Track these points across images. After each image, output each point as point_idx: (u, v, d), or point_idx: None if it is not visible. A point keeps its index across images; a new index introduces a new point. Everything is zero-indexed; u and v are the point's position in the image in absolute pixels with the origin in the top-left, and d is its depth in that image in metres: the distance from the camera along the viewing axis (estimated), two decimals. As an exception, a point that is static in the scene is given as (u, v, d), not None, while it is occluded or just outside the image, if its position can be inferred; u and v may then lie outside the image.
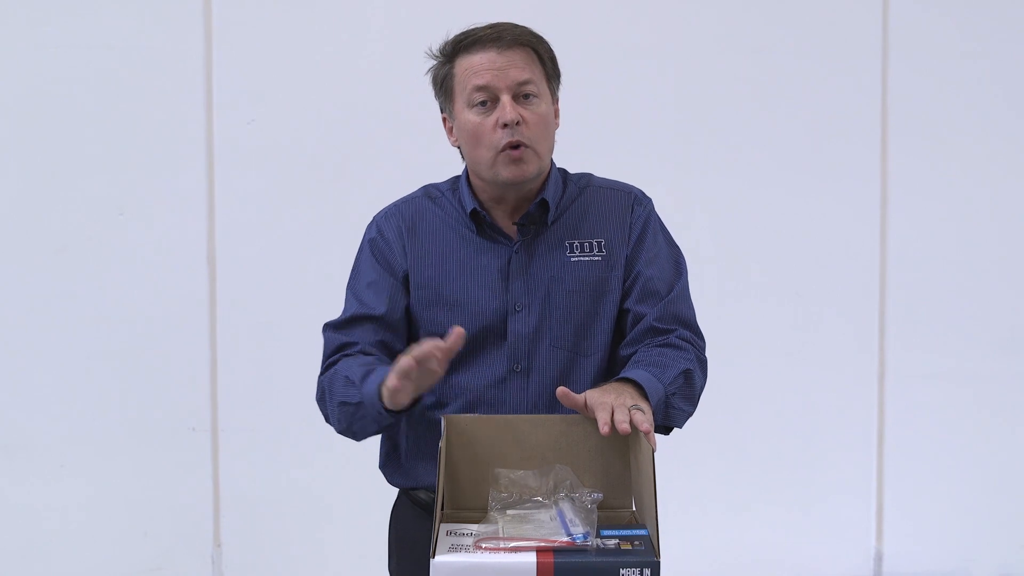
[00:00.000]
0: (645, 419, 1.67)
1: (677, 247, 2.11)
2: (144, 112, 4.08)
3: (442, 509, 1.63)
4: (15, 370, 4.09)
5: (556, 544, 1.50)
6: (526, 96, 1.93)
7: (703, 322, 2.12)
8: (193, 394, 4.14)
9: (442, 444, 1.70)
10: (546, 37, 2.03)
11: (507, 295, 1.99)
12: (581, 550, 1.50)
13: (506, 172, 1.94)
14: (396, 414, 1.84)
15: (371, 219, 2.12)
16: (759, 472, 4.30)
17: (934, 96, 4.30)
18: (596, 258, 2.01)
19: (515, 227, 2.02)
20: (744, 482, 4.29)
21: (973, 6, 4.30)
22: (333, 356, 2.02)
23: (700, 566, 4.19)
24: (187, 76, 4.08)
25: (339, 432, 2.00)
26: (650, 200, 2.11)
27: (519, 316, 1.99)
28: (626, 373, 1.85)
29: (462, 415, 1.82)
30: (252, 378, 4.13)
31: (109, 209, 4.10)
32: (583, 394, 1.76)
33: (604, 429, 1.66)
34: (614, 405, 1.69)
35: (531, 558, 1.47)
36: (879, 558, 4.37)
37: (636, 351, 1.98)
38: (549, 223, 2.02)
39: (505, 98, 1.91)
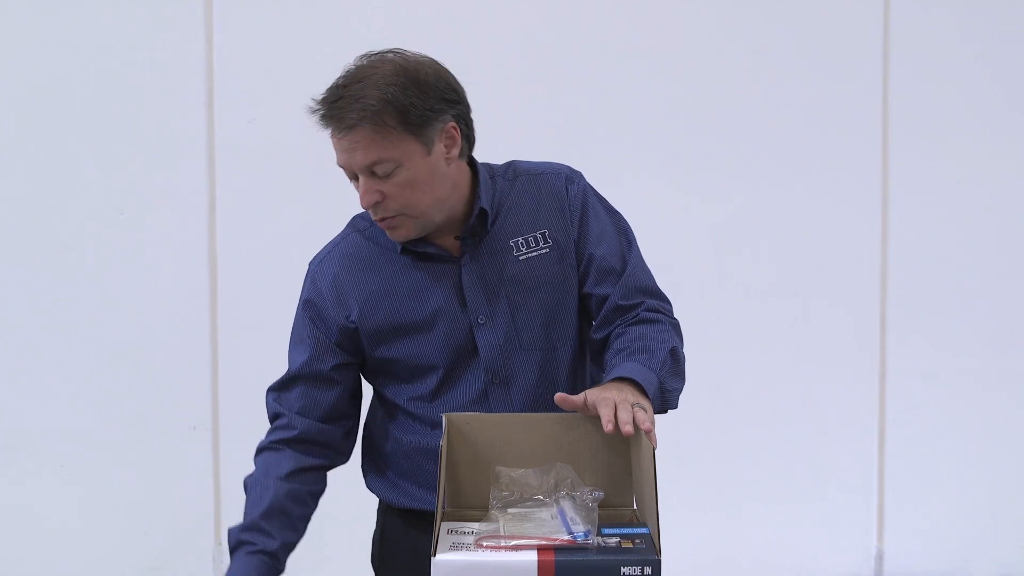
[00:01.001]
0: (647, 417, 1.67)
1: (618, 213, 2.07)
2: (145, 112, 4.08)
3: (443, 508, 1.62)
4: (16, 369, 4.10)
5: (557, 542, 1.50)
6: (383, 173, 1.87)
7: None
8: (194, 393, 4.15)
9: (443, 443, 1.69)
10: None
11: (467, 311, 1.96)
12: (582, 548, 1.50)
13: (392, 236, 1.95)
14: None
15: (309, 264, 2.11)
16: (760, 471, 4.30)
17: (935, 96, 4.30)
18: (544, 250, 1.97)
19: (456, 241, 1.98)
20: (745, 481, 4.29)
21: (974, 6, 4.30)
22: (270, 428, 2.06)
23: (701, 564, 4.18)
24: (188, 76, 4.09)
25: None
26: (580, 174, 2.06)
27: (485, 328, 1.96)
28: (618, 372, 1.83)
29: (462, 414, 1.81)
30: (253, 377, 4.08)
31: (110, 209, 4.10)
32: (582, 394, 1.74)
33: (608, 427, 1.65)
34: (616, 402, 1.68)
35: (532, 556, 1.47)
36: (880, 557, 4.37)
37: (610, 333, 1.97)
38: (490, 228, 1.98)
39: (361, 180, 1.88)
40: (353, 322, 2.00)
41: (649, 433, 1.63)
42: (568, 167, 2.07)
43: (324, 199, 4.04)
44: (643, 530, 1.58)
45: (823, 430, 4.33)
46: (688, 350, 2.01)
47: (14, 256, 4.09)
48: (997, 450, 4.38)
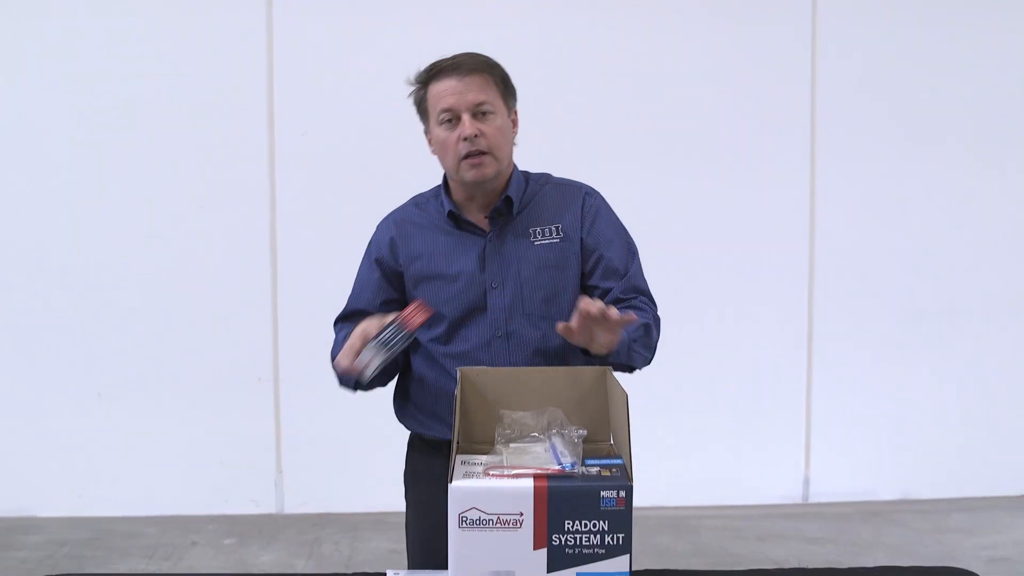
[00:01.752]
0: (615, 314, 1.72)
1: (626, 231, 2.07)
2: (217, 127, 4.11)
3: (457, 443, 1.62)
4: (117, 332, 4.11)
5: (549, 471, 1.50)
6: (484, 113, 1.91)
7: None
8: (260, 352, 4.16)
9: (457, 391, 1.68)
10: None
11: (484, 276, 1.96)
12: (569, 476, 1.49)
13: (469, 175, 1.92)
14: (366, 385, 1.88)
15: (377, 226, 2.10)
16: (711, 415, 4.32)
17: (855, 108, 4.29)
18: (555, 240, 1.98)
19: (487, 220, 1.99)
20: (698, 423, 4.30)
21: (895, 23, 4.28)
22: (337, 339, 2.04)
23: (663, 489, 4.19)
24: (252, 98, 4.12)
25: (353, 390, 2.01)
26: (599, 193, 2.07)
27: (496, 292, 1.96)
28: None
29: (474, 368, 1.80)
30: (306, 340, 4.12)
31: (190, 203, 4.11)
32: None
33: (580, 315, 1.72)
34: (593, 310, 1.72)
35: (529, 483, 1.46)
36: (807, 481, 4.38)
37: None
38: (515, 215, 1.99)
39: (465, 117, 1.90)
40: (401, 265, 2.02)
41: (621, 319, 1.71)
42: (590, 186, 2.08)
43: (362, 191, 4.05)
44: (618, 461, 1.57)
45: (762, 382, 4.34)
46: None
47: (114, 243, 4.10)
48: (901, 397, 4.39)
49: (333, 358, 1.98)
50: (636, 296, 1.99)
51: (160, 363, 4.12)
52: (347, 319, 2.05)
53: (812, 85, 4.25)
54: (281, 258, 4.13)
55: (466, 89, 1.90)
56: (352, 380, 1.90)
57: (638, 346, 1.91)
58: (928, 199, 4.33)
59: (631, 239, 2.07)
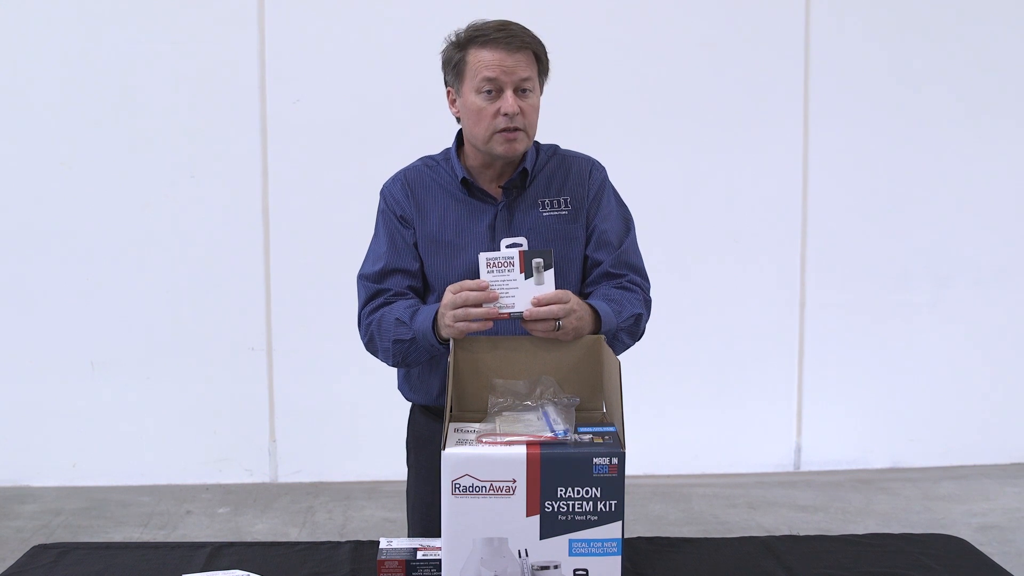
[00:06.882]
0: (563, 331, 1.74)
1: (626, 207, 2.08)
2: (210, 97, 4.08)
3: (451, 411, 1.62)
4: (110, 302, 4.10)
5: (542, 439, 1.50)
6: (524, 90, 1.89)
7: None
8: (253, 321, 4.15)
9: (451, 360, 1.69)
10: (537, 33, 1.96)
11: (494, 245, 1.95)
12: (562, 443, 1.49)
13: (500, 148, 1.91)
14: (446, 344, 1.82)
15: (381, 187, 2.07)
16: (703, 383, 4.33)
17: (848, 85, 4.27)
18: (564, 212, 1.98)
19: (500, 190, 1.98)
20: (691, 391, 4.32)
21: (887, 12, 4.26)
22: (372, 301, 1.98)
23: (655, 457, 4.22)
24: (244, 68, 4.08)
25: (392, 365, 1.98)
26: (604, 168, 2.06)
27: None
28: (592, 301, 1.85)
29: (468, 337, 1.80)
30: (299, 309, 4.13)
31: (183, 173, 4.09)
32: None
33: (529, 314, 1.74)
34: (563, 314, 1.74)
35: (522, 450, 1.47)
36: (799, 450, 4.40)
37: (596, 290, 1.97)
38: (527, 187, 1.98)
39: (508, 92, 1.88)
40: (413, 223, 2.00)
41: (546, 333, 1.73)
42: (597, 160, 2.07)
43: (354, 161, 4.04)
44: (611, 428, 1.57)
45: (754, 351, 4.34)
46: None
47: (107, 212, 4.07)
48: (892, 366, 4.40)
49: (371, 339, 1.95)
50: (627, 274, 1.99)
51: (153, 332, 4.12)
52: (381, 277, 1.99)
53: (806, 48, 4.23)
54: (273, 227, 4.11)
55: (515, 65, 1.88)
56: (436, 342, 1.84)
57: (624, 335, 1.92)
58: (921, 167, 4.33)
59: (629, 215, 2.07)
